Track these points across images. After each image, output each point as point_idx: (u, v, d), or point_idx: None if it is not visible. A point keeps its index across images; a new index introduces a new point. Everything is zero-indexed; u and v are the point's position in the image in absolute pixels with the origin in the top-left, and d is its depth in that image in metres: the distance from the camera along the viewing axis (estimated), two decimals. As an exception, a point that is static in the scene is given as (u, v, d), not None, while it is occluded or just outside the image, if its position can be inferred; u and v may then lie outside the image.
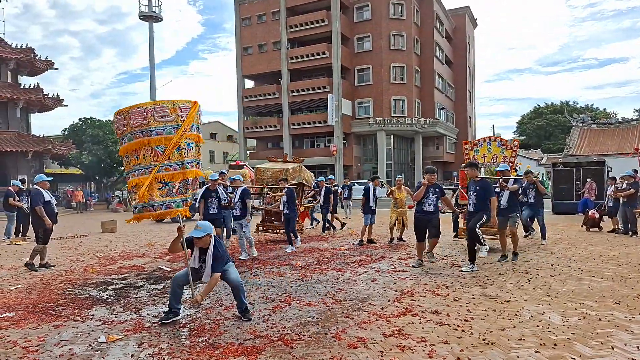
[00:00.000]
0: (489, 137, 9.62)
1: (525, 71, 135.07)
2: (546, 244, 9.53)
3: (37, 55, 25.04)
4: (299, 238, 10.02)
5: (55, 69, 26.89)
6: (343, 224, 13.46)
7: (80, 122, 31.20)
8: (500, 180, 7.99)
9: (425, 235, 7.29)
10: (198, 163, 5.10)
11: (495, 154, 9.28)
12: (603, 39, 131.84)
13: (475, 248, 7.15)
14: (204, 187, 8.56)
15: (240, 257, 8.40)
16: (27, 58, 24.25)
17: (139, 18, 26.09)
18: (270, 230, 11.29)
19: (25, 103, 24.71)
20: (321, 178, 13.18)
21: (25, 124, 26.02)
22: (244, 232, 8.56)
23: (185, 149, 4.88)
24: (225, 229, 9.45)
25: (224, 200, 8.51)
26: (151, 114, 4.77)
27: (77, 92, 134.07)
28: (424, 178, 7.50)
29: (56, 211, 8.55)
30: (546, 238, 9.92)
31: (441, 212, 8.11)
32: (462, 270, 6.88)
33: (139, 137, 4.80)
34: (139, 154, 4.83)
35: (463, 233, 8.65)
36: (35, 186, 8.20)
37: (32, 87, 25.24)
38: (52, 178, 9.39)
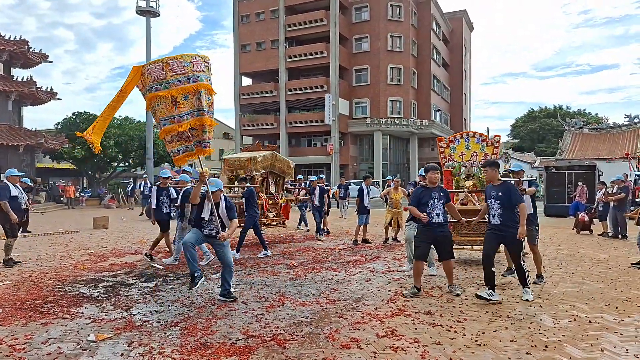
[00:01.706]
0: (466, 133, 8.39)
1: (520, 75, 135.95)
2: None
3: (31, 47, 24.75)
4: (269, 252, 8.75)
5: (50, 61, 26.60)
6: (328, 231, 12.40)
7: (74, 117, 30.93)
8: (519, 181, 6.43)
9: (428, 254, 5.78)
10: (201, 111, 5.18)
11: (474, 152, 8.09)
12: (596, 45, 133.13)
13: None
14: (155, 186, 8.26)
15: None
16: (20, 50, 23.96)
17: (136, 12, 25.82)
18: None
19: (18, 96, 24.43)
20: (313, 177, 12.39)
21: (17, 117, 25.72)
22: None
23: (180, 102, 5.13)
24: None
25: (176, 200, 7.98)
26: (169, 68, 5.06)
27: (71, 86, 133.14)
28: (418, 178, 6.59)
29: (24, 207, 8.44)
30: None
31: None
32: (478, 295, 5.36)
33: (160, 89, 5.08)
34: (164, 103, 5.13)
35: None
36: (4, 180, 8.18)
37: (25, 79, 24.96)
38: (23, 173, 9.30)
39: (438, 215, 5.53)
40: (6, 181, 8.08)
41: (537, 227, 6.39)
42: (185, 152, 5.28)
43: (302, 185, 13.48)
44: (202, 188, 5.32)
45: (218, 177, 8.52)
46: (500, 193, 5.34)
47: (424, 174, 6.30)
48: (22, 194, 8.25)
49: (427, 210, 5.51)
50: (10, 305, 5.23)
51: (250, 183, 9.70)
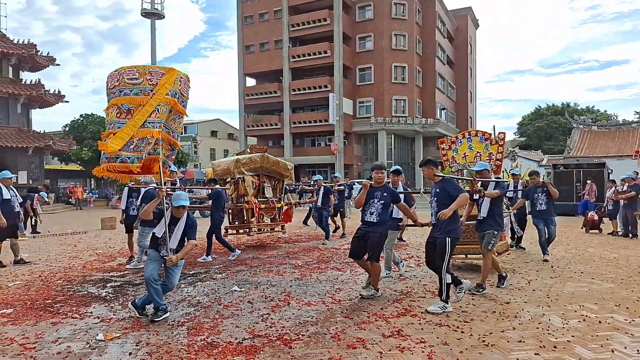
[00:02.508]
0: (468, 132, 7.92)
1: (526, 72, 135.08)
2: (549, 260, 7.77)
3: (38, 51, 25.02)
4: (210, 259, 8.20)
5: (57, 64, 26.85)
6: (337, 228, 12.08)
7: (81, 119, 31.19)
8: (474, 182, 5.87)
9: (360, 254, 5.46)
10: (161, 124, 5.23)
11: (478, 152, 7.58)
12: (604, 41, 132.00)
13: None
14: (127, 187, 8.04)
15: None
16: (28, 54, 24.22)
17: (141, 15, 26.02)
18: (243, 231, 9.89)
19: (26, 99, 24.69)
20: (318, 176, 11.72)
21: (26, 119, 25.98)
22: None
23: (151, 111, 5.17)
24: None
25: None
26: (122, 77, 5.26)
27: (78, 88, 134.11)
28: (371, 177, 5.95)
29: (17, 209, 8.34)
30: (548, 253, 8.04)
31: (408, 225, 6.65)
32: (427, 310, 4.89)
33: (112, 97, 5.31)
34: (111, 112, 5.32)
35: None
36: None
37: (33, 82, 25.19)
38: (17, 175, 9.33)
39: (372, 214, 5.36)
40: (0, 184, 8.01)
41: (496, 232, 5.66)
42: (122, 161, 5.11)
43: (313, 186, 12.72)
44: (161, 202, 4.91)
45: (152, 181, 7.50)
46: (437, 190, 5.13)
47: (396, 171, 6.41)
48: (15, 196, 8.23)
49: (364, 207, 5.44)
50: (21, 305, 5.29)
51: (236, 187, 9.35)
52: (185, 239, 4.93)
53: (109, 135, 5.15)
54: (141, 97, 5.17)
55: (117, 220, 14.85)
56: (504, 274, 6.00)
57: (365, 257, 5.43)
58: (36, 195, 13.03)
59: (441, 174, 5.25)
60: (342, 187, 12.26)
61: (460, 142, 7.81)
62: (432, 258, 5.05)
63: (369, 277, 5.64)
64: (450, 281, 4.91)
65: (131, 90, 5.20)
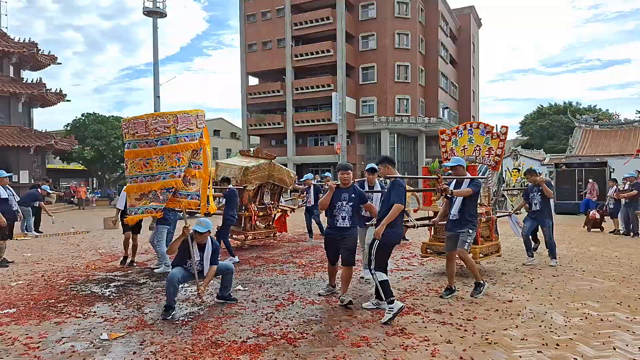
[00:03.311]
0: (470, 124, 7.49)
1: (529, 71, 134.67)
2: (556, 265, 7.33)
3: (40, 49, 25.02)
4: (236, 259, 7.98)
5: (59, 63, 26.90)
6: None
7: (83, 118, 31.24)
8: (439, 179, 5.34)
9: (337, 259, 5.37)
10: (179, 172, 5.07)
11: (477, 145, 7.18)
12: (606, 40, 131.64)
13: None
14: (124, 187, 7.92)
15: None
16: (29, 52, 24.24)
17: (143, 14, 26.00)
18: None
19: (28, 98, 24.72)
20: (308, 175, 11.40)
21: (28, 118, 26.02)
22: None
23: (168, 158, 5.04)
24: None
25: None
26: (151, 125, 4.97)
27: (80, 88, 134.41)
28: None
29: (15, 208, 8.36)
30: (557, 257, 7.59)
31: (412, 227, 6.42)
32: (363, 306, 5.04)
33: (143, 145, 5.03)
34: (137, 162, 5.08)
35: (428, 250, 6.79)
36: None
37: (34, 81, 25.23)
38: (11, 174, 9.34)
39: (344, 219, 5.10)
40: None
41: (471, 230, 5.34)
42: (144, 212, 5.16)
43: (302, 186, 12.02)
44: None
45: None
46: (387, 190, 5.04)
47: (371, 169, 5.96)
48: (12, 195, 8.26)
49: (333, 212, 5.13)
50: (24, 305, 5.31)
51: (240, 192, 9.02)
52: (209, 263, 5.10)
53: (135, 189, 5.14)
54: (169, 145, 5.00)
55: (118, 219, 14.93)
56: (454, 287, 5.50)
57: (339, 262, 5.32)
58: (39, 190, 13.03)
59: (395, 175, 5.04)
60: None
61: (461, 133, 7.40)
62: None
63: (332, 285, 5.57)
64: (381, 279, 4.66)
65: (167, 139, 4.99)
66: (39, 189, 13.06)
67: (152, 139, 4.97)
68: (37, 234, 12.64)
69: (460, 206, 5.39)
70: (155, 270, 7.22)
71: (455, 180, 5.61)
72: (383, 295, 4.64)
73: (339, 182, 5.19)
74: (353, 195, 5.13)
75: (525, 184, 9.04)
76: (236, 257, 8.04)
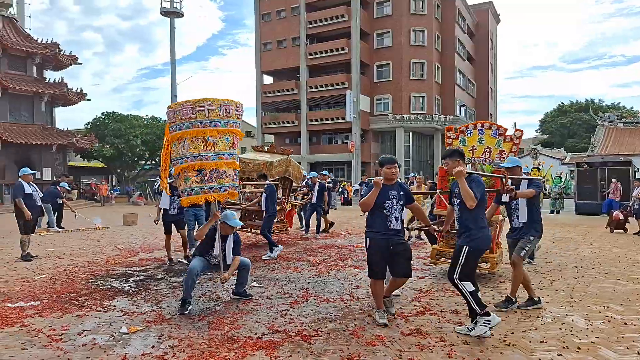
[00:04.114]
0: (481, 124, 6.93)
1: (549, 68, 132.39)
2: (535, 266, 7.22)
3: (61, 50, 25.51)
4: (280, 247, 8.42)
5: (79, 64, 27.40)
6: (332, 224, 12.13)
7: (103, 116, 31.75)
8: (503, 181, 4.59)
9: (385, 270, 4.49)
10: (231, 155, 5.26)
11: (488, 147, 6.72)
12: (630, 35, 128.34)
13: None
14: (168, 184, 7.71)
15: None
16: (52, 53, 24.74)
17: (161, 14, 26.32)
18: (249, 230, 9.94)
19: (50, 97, 25.24)
20: (313, 174, 11.84)
21: (50, 117, 26.57)
22: None
23: (220, 140, 5.16)
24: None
25: None
26: (197, 109, 5.05)
27: (99, 87, 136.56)
28: (365, 175, 5.39)
29: (39, 203, 8.66)
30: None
31: (406, 229, 5.25)
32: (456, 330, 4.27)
33: (197, 126, 5.09)
34: (185, 143, 5.14)
35: (438, 257, 6.37)
36: (19, 179, 8.44)
37: (56, 81, 25.75)
38: (35, 172, 9.60)
39: (397, 219, 4.38)
40: (21, 180, 8.35)
41: (532, 237, 4.90)
42: (199, 192, 5.12)
43: (304, 183, 12.43)
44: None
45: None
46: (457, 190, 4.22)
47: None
48: (36, 191, 8.50)
49: (384, 212, 4.35)
50: (48, 298, 5.44)
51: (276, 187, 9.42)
52: (232, 254, 5.17)
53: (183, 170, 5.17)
54: (221, 128, 5.13)
55: (139, 217, 15.18)
56: (537, 298, 4.99)
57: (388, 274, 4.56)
58: (58, 187, 13.32)
59: (469, 171, 4.44)
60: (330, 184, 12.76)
61: (470, 132, 6.88)
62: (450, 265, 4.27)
63: (384, 309, 4.57)
64: (473, 288, 4.09)
65: (211, 122, 5.10)
66: (58, 187, 13.35)
67: (207, 120, 5.05)
68: (59, 229, 12.92)
69: (526, 210, 4.90)
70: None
71: (510, 182, 4.89)
72: (476, 307, 4.02)
73: (381, 178, 4.42)
74: (402, 192, 4.44)
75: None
76: (280, 246, 8.48)
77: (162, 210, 7.78)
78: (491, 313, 4.08)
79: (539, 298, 5.04)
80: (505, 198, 4.86)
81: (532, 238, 4.90)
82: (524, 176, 5.22)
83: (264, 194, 8.64)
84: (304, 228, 11.36)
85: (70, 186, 24.88)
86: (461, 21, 44.22)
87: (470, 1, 46.86)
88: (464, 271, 4.08)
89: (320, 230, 11.66)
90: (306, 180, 11.97)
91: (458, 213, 4.26)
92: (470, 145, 6.85)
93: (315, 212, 11.35)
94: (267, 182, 8.73)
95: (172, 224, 7.83)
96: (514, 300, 4.95)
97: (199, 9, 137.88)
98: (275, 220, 10.00)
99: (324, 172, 14.24)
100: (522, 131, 6.86)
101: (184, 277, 5.06)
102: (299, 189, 12.17)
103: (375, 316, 4.49)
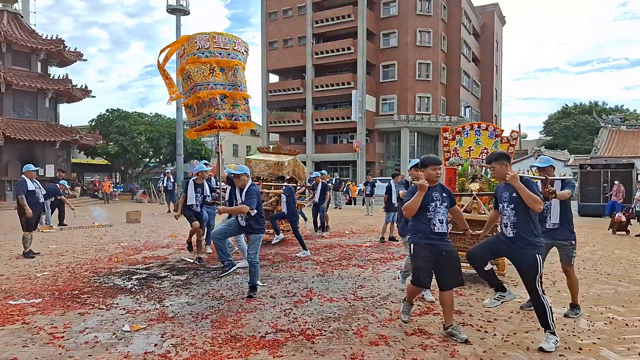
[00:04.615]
0: (478, 125, 6.93)
1: (553, 70, 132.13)
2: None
3: (66, 46, 25.53)
4: (282, 235, 9.38)
5: (84, 60, 27.42)
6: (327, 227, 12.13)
7: (107, 113, 31.81)
8: (546, 181, 4.68)
9: (432, 279, 4.23)
10: (234, 86, 6.01)
11: (485, 148, 6.68)
12: (635, 38, 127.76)
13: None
14: (190, 180, 7.82)
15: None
16: (56, 49, 24.77)
17: (167, 11, 26.26)
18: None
19: (54, 93, 25.29)
20: (316, 173, 12.14)
21: (54, 114, 26.62)
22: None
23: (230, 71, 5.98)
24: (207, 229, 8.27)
25: (209, 197, 7.62)
26: (214, 39, 5.87)
27: (104, 84, 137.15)
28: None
29: (41, 200, 8.65)
30: None
31: None
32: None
33: (211, 56, 5.83)
34: (197, 73, 5.84)
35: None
36: (22, 176, 8.43)
37: (61, 77, 25.81)
38: (38, 168, 9.69)
39: (442, 222, 4.09)
40: (24, 176, 8.35)
41: (573, 242, 4.76)
42: (207, 119, 5.87)
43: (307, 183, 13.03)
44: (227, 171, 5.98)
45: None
46: (514, 194, 3.87)
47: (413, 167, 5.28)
48: (39, 188, 8.50)
49: (427, 215, 4.09)
50: (50, 295, 5.45)
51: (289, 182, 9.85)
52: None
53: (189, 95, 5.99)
54: (229, 59, 5.89)
55: (142, 214, 15.22)
56: (577, 304, 4.83)
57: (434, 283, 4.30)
58: (58, 184, 13.28)
59: (520, 174, 4.03)
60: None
61: (467, 133, 6.88)
62: (524, 278, 3.95)
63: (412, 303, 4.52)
64: (551, 304, 3.89)
65: (228, 54, 5.89)
66: (57, 184, 13.29)
67: (215, 51, 5.79)
68: (62, 227, 12.95)
69: (559, 211, 4.71)
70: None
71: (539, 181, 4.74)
72: (551, 324, 3.80)
73: (424, 181, 4.09)
74: (445, 194, 4.19)
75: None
76: (282, 235, 9.24)
77: (184, 204, 7.67)
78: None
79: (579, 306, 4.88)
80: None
81: (573, 242, 4.75)
82: (557, 176, 5.05)
83: (283, 196, 8.92)
84: (316, 227, 11.65)
85: (73, 183, 24.95)
86: (467, 22, 44.11)
87: (476, 3, 46.78)
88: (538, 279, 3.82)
89: (321, 228, 11.76)
90: (308, 178, 12.32)
91: (514, 219, 3.88)
92: (467, 146, 6.85)
93: (316, 211, 11.68)
94: (285, 184, 9.12)
95: (193, 217, 7.64)
96: (578, 305, 4.81)
97: (205, 7, 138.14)
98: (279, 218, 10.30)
99: (324, 171, 14.62)
100: (518, 132, 6.85)
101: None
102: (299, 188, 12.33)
103: (400, 309, 4.58)
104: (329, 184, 12.65)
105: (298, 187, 12.28)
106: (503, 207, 4.00)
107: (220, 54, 5.73)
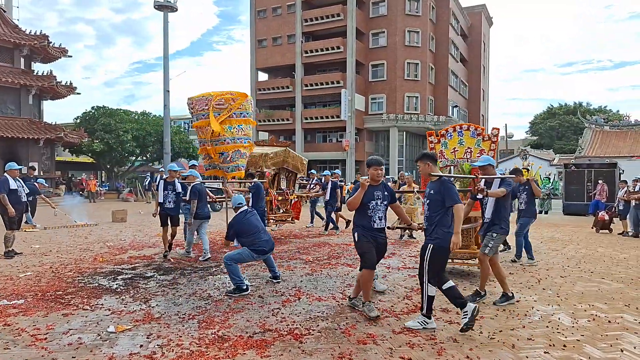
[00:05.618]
0: (460, 126, 7.27)
1: (539, 71, 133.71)
2: (523, 265, 7.41)
3: (51, 42, 25.09)
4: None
5: (69, 56, 27.02)
6: (348, 222, 11.78)
7: (93, 111, 31.37)
8: (476, 179, 5.31)
9: (376, 260, 4.68)
10: (246, 140, 8.14)
11: (469, 147, 6.98)
12: (618, 40, 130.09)
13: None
14: (160, 179, 8.21)
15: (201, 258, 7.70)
16: (40, 45, 24.32)
17: (154, 7, 25.96)
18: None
19: (38, 90, 24.84)
20: (327, 172, 12.57)
21: (38, 110, 26.16)
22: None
23: (235, 128, 7.93)
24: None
25: (182, 194, 7.93)
26: (211, 102, 7.73)
27: (90, 81, 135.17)
28: (359, 174, 5.64)
29: (24, 199, 8.48)
30: (522, 257, 7.67)
31: (388, 228, 5.04)
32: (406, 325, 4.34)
33: (202, 118, 7.91)
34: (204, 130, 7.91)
35: None
36: (4, 174, 8.30)
37: (45, 74, 25.35)
38: (22, 167, 9.55)
39: (381, 219, 4.62)
40: (6, 175, 8.20)
41: (495, 234, 5.02)
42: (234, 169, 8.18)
43: (316, 181, 13.42)
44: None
45: (198, 175, 8.52)
46: (432, 191, 4.33)
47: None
48: (22, 187, 8.39)
49: (367, 213, 4.57)
50: (32, 296, 5.35)
51: (259, 179, 9.76)
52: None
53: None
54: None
55: (128, 213, 15.04)
56: (510, 293, 5.13)
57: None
58: (36, 183, 12.98)
59: (438, 174, 4.49)
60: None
61: (451, 135, 7.20)
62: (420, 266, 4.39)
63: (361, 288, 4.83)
64: (432, 294, 4.26)
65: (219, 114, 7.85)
66: (35, 182, 12.99)
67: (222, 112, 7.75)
68: (45, 226, 12.72)
69: (493, 208, 5.04)
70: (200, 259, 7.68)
71: (483, 180, 5.21)
72: (425, 309, 4.26)
73: (367, 178, 4.61)
74: (386, 193, 4.66)
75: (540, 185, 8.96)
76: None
77: (160, 204, 7.94)
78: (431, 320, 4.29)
79: (512, 293, 5.18)
80: (478, 195, 5.00)
81: (495, 235, 5.02)
82: (497, 175, 5.32)
83: (250, 193, 8.96)
84: (327, 225, 11.77)
85: (57, 181, 24.55)
86: (455, 23, 44.42)
87: (464, 4, 47.13)
88: (433, 270, 4.25)
89: (331, 227, 11.75)
90: (316, 179, 13.14)
91: (427, 213, 4.39)
92: (451, 147, 7.15)
93: (330, 209, 11.72)
94: (254, 180, 9.04)
95: (168, 217, 7.98)
96: (483, 293, 5.20)
97: (193, 4, 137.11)
98: (281, 210, 10.95)
99: (337, 171, 14.70)
100: (498, 129, 7.18)
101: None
102: (312, 187, 12.96)
103: (365, 310, 4.60)
104: (340, 183, 12.72)
105: (304, 179, 12.72)
106: (424, 202, 4.52)
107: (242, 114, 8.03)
